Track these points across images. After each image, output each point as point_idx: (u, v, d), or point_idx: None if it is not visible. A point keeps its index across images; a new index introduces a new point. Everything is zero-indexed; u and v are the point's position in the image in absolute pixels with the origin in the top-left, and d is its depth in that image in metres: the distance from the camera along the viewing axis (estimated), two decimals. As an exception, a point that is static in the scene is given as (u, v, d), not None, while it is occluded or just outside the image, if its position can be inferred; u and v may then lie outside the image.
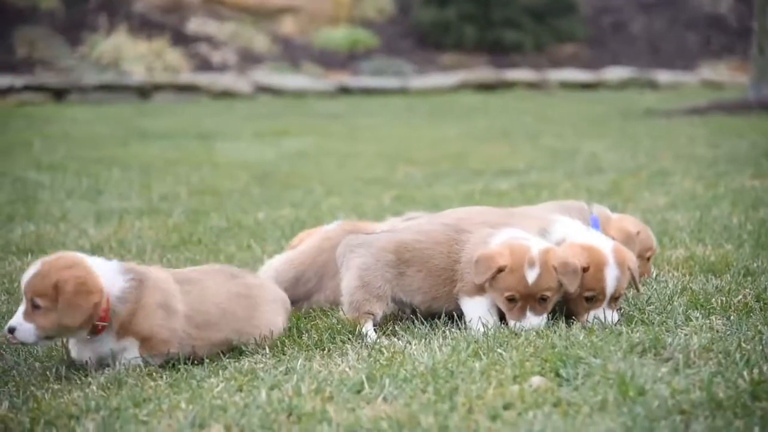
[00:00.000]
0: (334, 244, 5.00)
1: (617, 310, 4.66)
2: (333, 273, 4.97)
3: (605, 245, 4.69)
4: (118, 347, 4.21)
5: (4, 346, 4.51)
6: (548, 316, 4.59)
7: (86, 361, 4.24)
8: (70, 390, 3.95)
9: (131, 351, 4.23)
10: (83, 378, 4.08)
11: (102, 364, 4.25)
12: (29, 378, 4.09)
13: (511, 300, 4.53)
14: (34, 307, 4.09)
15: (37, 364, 4.25)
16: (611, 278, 4.58)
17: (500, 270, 4.49)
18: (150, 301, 4.22)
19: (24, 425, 3.60)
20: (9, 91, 17.92)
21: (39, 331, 4.09)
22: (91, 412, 3.69)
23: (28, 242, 6.95)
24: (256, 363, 4.22)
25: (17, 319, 4.11)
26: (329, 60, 23.38)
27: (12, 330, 4.09)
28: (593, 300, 4.59)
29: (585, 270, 4.54)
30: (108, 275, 4.21)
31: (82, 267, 4.18)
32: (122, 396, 3.84)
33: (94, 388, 3.95)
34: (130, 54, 20.21)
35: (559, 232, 4.83)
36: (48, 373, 4.15)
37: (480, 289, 4.62)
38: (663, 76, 25.26)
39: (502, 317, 4.65)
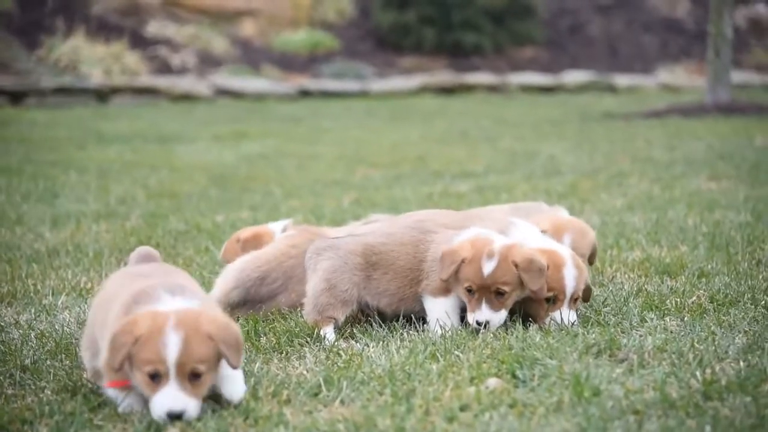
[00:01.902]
0: (301, 250, 5.02)
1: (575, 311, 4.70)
2: (300, 277, 4.98)
3: (561, 248, 4.74)
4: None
5: (-43, 352, 4.47)
6: (506, 317, 4.61)
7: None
8: (24, 395, 3.91)
9: None
10: (37, 383, 4.04)
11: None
12: (-18, 383, 4.05)
13: (469, 291, 4.55)
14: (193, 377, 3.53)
15: (-10, 370, 4.20)
16: (570, 278, 4.62)
17: (462, 261, 4.52)
18: None
19: (-24, 431, 3.56)
20: (-36, 94, 17.76)
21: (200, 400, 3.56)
22: (45, 416, 3.66)
23: (-17, 246, 6.88)
24: (213, 367, 4.20)
25: (181, 402, 3.49)
26: (289, 63, 23.34)
27: (179, 416, 3.50)
28: (554, 301, 4.62)
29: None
30: None
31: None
32: (77, 401, 3.81)
33: (49, 393, 3.92)
34: (88, 57, 20.06)
35: (516, 236, 4.86)
36: (1, 378, 4.11)
37: (444, 290, 4.64)
38: (621, 79, 25.48)
39: (463, 319, 4.67)
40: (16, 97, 18.33)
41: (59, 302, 5.38)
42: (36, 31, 20.62)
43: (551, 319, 4.62)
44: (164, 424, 3.50)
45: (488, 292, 4.53)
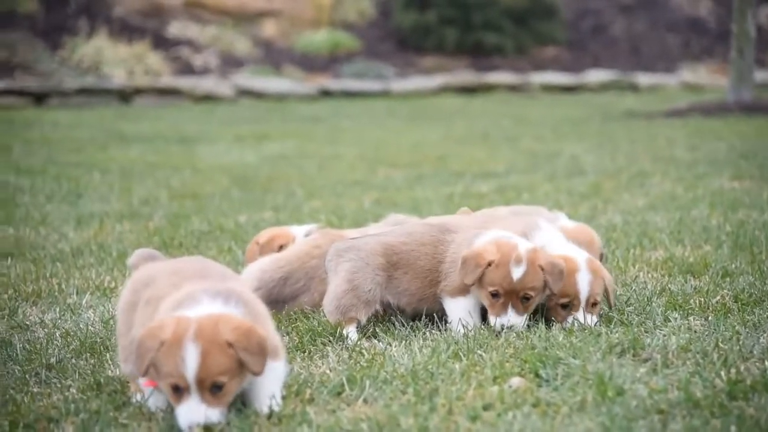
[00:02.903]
0: (323, 251, 5.05)
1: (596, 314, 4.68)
2: (322, 278, 5.00)
3: (578, 254, 4.73)
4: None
5: (-17, 350, 4.50)
6: (529, 317, 4.60)
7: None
8: (50, 393, 3.94)
9: None
10: (63, 381, 4.07)
11: None
12: (8, 382, 4.07)
13: (494, 295, 4.54)
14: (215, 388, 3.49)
15: (16, 368, 4.23)
16: (584, 283, 4.60)
17: (489, 265, 4.50)
18: None
19: (3, 428, 3.58)
20: (-12, 95, 17.87)
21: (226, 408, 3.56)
22: (70, 415, 3.68)
23: (7, 246, 6.92)
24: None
25: (202, 415, 3.46)
26: (310, 63, 23.38)
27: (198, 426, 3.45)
28: (569, 307, 4.62)
29: None
30: None
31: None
32: (102, 399, 3.83)
33: (74, 391, 3.94)
34: (111, 58, 20.16)
35: (539, 239, 4.85)
36: (27, 376, 4.14)
37: (462, 290, 4.64)
38: (643, 78, 25.37)
39: (484, 318, 4.67)
40: (40, 98, 18.44)
41: (83, 301, 5.41)
42: (59, 32, 20.74)
43: (574, 318, 4.61)
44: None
45: (515, 297, 4.52)
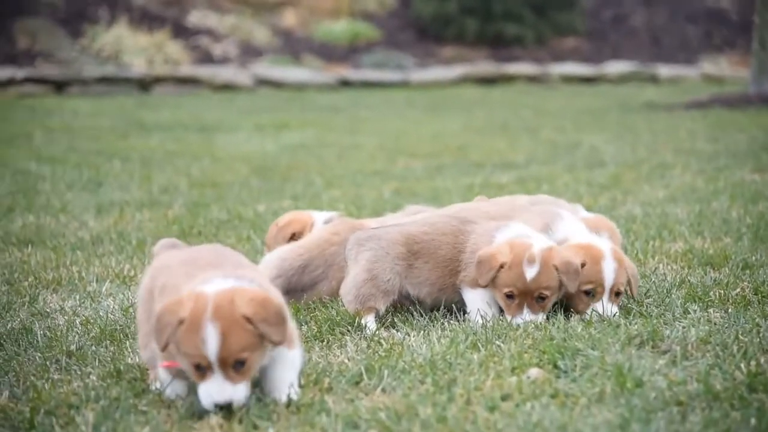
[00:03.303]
0: (342, 238, 5.06)
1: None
2: (340, 265, 5.01)
3: (603, 243, 4.72)
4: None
5: (3, 337, 4.53)
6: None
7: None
8: (70, 380, 3.96)
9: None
10: (83, 368, 4.09)
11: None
12: (29, 368, 4.10)
13: (509, 296, 4.54)
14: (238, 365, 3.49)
15: (37, 355, 4.26)
16: (609, 271, 4.60)
17: (501, 267, 4.51)
18: None
19: (24, 415, 3.61)
20: (10, 83, 17.92)
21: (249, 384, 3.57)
22: (90, 402, 3.70)
23: (28, 233, 6.96)
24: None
25: (227, 392, 3.48)
26: (330, 53, 23.37)
27: (227, 405, 3.50)
28: (593, 294, 4.61)
29: (582, 265, 4.56)
30: None
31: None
32: (122, 386, 3.86)
33: (94, 378, 3.97)
34: (131, 46, 20.21)
35: (561, 229, 4.83)
36: (48, 363, 4.16)
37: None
38: (664, 70, 25.25)
39: (502, 308, 4.67)
40: (60, 86, 18.51)
41: (103, 289, 5.44)
42: (79, 20, 20.81)
43: (593, 309, 4.60)
44: (209, 412, 3.53)
45: (530, 297, 4.52)
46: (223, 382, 3.47)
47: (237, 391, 3.48)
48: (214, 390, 3.47)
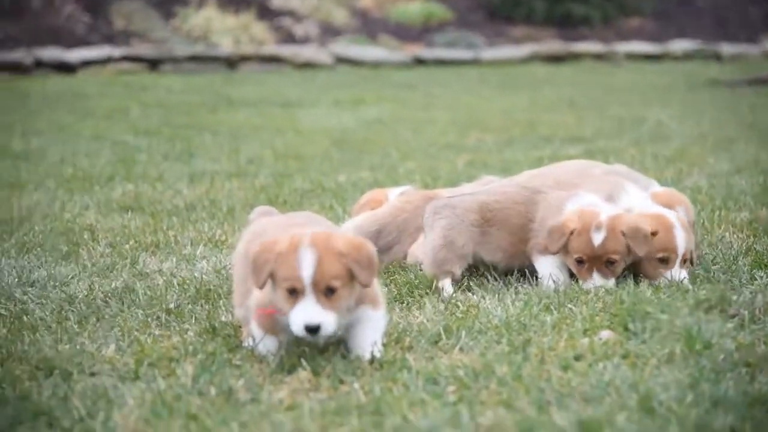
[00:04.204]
0: (414, 206, 5.12)
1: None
2: (413, 229, 5.06)
3: (668, 211, 4.66)
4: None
5: (109, 295, 4.62)
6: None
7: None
8: (170, 336, 4.03)
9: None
10: (181, 325, 4.16)
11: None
12: (132, 324, 4.18)
13: (579, 262, 4.54)
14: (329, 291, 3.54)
15: (139, 312, 4.34)
16: (681, 239, 4.55)
17: (571, 234, 4.49)
18: None
19: (129, 366, 3.68)
20: (108, 61, 18.15)
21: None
22: (189, 355, 3.77)
23: (128, 200, 7.08)
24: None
25: (317, 315, 3.50)
26: (405, 33, 23.27)
27: (317, 328, 3.52)
28: (666, 261, 4.55)
29: (654, 234, 4.51)
30: None
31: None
32: (217, 342, 3.91)
33: (192, 334, 4.03)
34: (219, 27, 20.33)
35: (625, 201, 4.79)
36: (149, 320, 4.24)
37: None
38: (727, 48, 24.69)
39: (572, 273, 4.64)
40: (154, 64, 18.70)
41: (197, 252, 5.52)
42: (171, 3, 20.99)
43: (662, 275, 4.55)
44: (303, 340, 3.56)
45: (599, 262, 4.50)
46: (315, 305, 3.50)
47: (327, 317, 3.51)
48: (306, 312, 3.50)
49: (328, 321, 3.51)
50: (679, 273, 4.53)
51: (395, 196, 5.67)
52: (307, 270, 3.49)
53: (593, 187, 4.87)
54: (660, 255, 4.55)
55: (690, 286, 4.37)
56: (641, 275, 4.62)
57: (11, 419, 3.25)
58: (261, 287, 3.58)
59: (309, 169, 8.65)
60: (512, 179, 5.25)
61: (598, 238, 4.49)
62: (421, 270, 4.80)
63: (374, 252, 3.62)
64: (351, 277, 3.56)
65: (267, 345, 3.73)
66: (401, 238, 5.16)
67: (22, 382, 3.55)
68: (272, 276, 3.56)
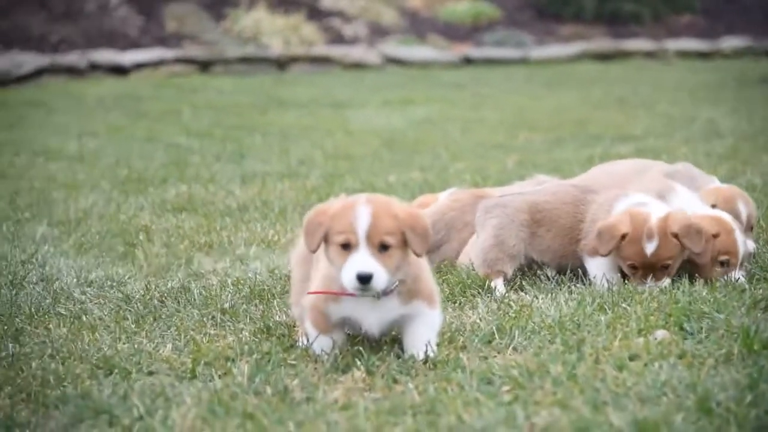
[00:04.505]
0: (462, 204, 5.15)
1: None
2: (460, 227, 5.07)
3: (724, 213, 4.60)
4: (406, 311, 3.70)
5: (165, 295, 4.66)
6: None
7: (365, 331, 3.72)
8: (225, 335, 4.06)
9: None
10: (236, 325, 4.18)
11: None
12: (188, 324, 4.22)
13: (633, 267, 4.49)
14: (382, 247, 3.56)
15: (195, 312, 4.37)
16: (741, 242, 4.49)
17: (623, 237, 4.43)
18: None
19: (186, 365, 3.72)
20: (160, 63, 18.32)
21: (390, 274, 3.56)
22: (245, 355, 3.79)
23: (182, 201, 7.14)
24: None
25: (370, 265, 3.51)
26: (453, 32, 23.22)
27: (368, 278, 3.51)
28: (727, 264, 4.49)
29: (716, 236, 4.45)
30: None
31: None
32: (272, 342, 3.93)
33: (247, 334, 4.05)
34: (269, 28, 20.44)
35: (675, 203, 4.72)
36: (205, 319, 4.27)
37: None
38: (778, 44, 24.30)
39: (623, 273, 4.59)
40: (205, 65, 18.84)
41: (251, 252, 5.55)
42: (222, 5, 21.13)
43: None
44: (356, 290, 3.53)
45: (653, 269, 4.44)
46: (368, 256, 3.51)
47: (379, 268, 3.51)
48: (359, 261, 3.51)
49: (381, 272, 3.51)
50: (738, 274, 4.47)
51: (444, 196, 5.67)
52: (362, 224, 3.52)
53: (642, 187, 4.82)
54: (721, 258, 4.49)
55: (746, 286, 4.30)
56: (696, 275, 4.55)
57: (73, 417, 3.29)
58: (314, 250, 3.61)
59: (359, 169, 8.66)
60: (581, 177, 5.22)
61: (650, 247, 4.41)
62: (473, 270, 4.79)
63: (429, 225, 3.65)
64: (404, 242, 3.57)
65: (321, 344, 3.74)
66: (450, 236, 5.16)
67: (82, 380, 3.60)
68: (326, 238, 3.59)
